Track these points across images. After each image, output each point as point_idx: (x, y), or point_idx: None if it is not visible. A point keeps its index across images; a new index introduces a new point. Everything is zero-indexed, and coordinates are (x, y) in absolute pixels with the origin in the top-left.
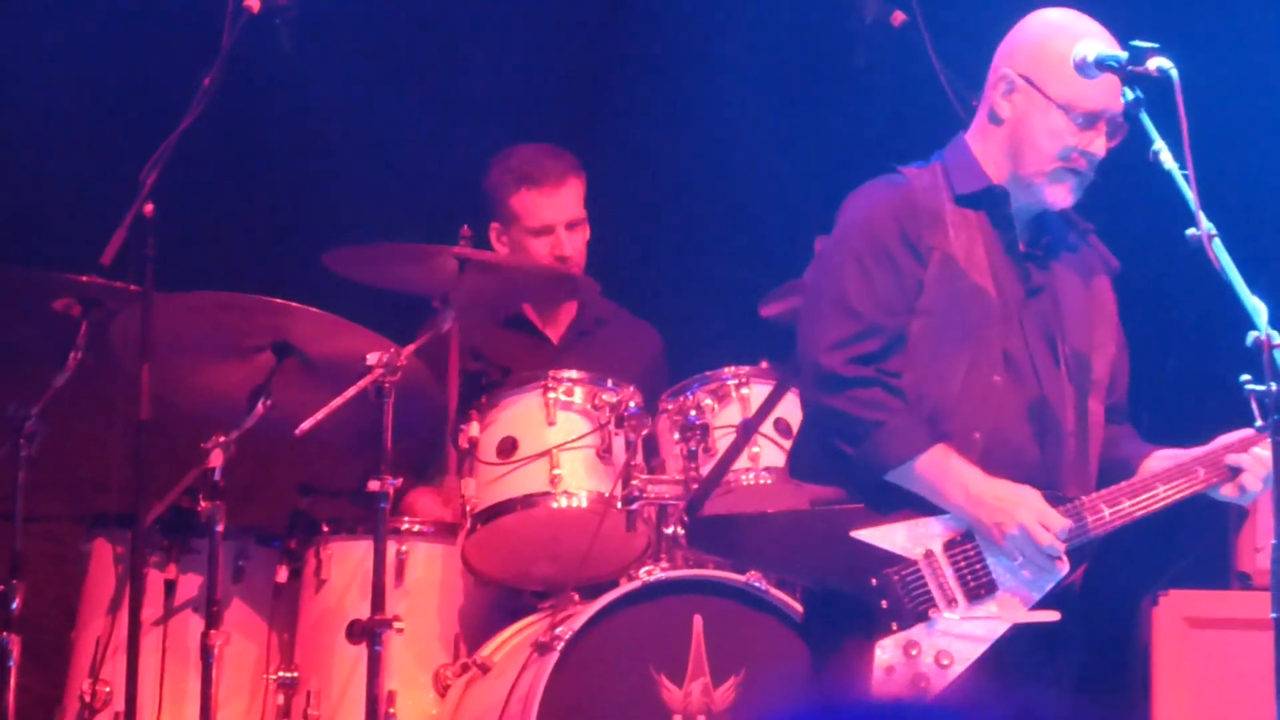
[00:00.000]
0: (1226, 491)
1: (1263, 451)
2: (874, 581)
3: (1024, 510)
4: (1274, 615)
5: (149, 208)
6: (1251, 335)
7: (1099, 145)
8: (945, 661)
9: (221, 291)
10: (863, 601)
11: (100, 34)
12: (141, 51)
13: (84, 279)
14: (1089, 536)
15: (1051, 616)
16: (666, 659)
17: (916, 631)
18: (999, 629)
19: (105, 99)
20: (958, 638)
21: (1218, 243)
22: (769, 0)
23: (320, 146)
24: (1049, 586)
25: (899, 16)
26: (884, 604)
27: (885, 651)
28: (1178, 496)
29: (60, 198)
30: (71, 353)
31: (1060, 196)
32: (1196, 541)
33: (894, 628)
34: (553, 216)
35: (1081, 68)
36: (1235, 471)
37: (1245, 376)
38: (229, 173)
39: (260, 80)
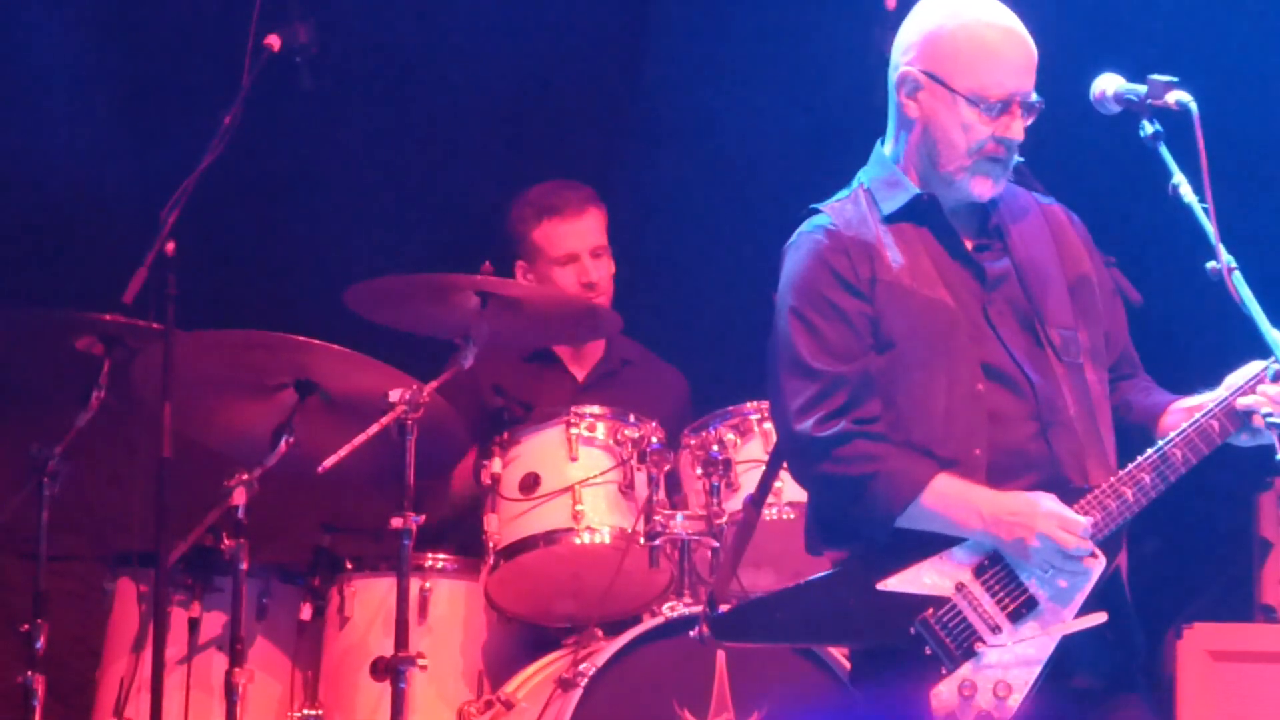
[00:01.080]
0: (1245, 438)
1: (1271, 388)
2: (912, 630)
3: (1042, 520)
4: None
5: (170, 246)
6: (1273, 367)
7: (1015, 129)
8: (1003, 693)
9: (243, 329)
10: (907, 652)
11: (122, 72)
12: (163, 89)
13: (106, 318)
14: (1118, 523)
15: (1098, 619)
16: (690, 694)
17: (966, 669)
18: (1049, 645)
19: (126, 138)
20: (1011, 665)
21: (1238, 276)
22: (790, 30)
23: (342, 184)
24: (1088, 586)
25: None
26: (927, 650)
27: (940, 699)
28: (1197, 459)
29: (82, 237)
30: (94, 392)
31: (983, 188)
32: (1220, 574)
33: (943, 672)
34: (576, 245)
35: (1100, 103)
36: (1249, 414)
37: (1267, 410)
38: (251, 210)
39: (281, 117)
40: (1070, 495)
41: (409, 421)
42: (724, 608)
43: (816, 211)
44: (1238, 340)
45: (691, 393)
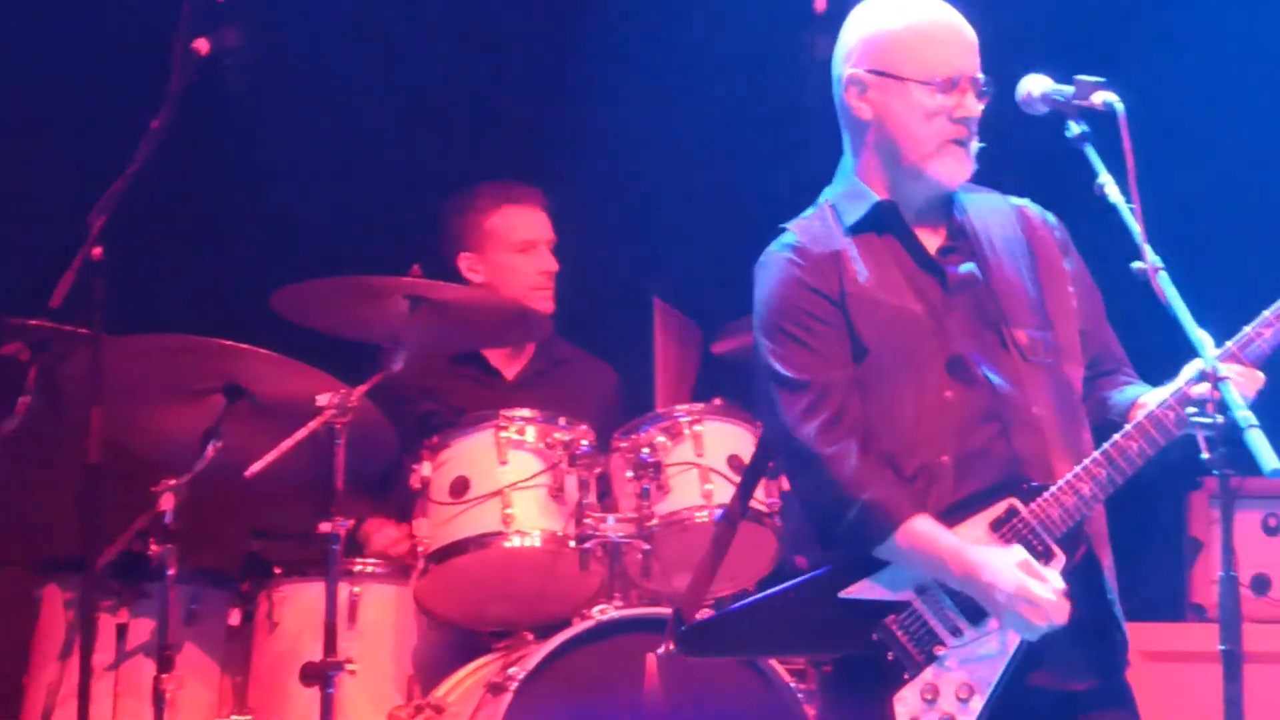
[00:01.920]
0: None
1: (1199, 387)
2: (875, 636)
3: (1009, 597)
4: (1222, 648)
5: (97, 251)
6: (1197, 369)
7: (970, 104)
8: (965, 695)
9: (171, 334)
10: (871, 660)
11: (48, 76)
12: (90, 94)
13: (33, 323)
14: (1075, 519)
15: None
16: (621, 698)
17: (929, 674)
18: (1011, 641)
19: (53, 142)
20: (973, 665)
21: (1164, 276)
22: (725, 30)
23: (270, 188)
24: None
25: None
26: (890, 656)
27: (904, 704)
28: (1153, 450)
29: (8, 242)
30: (20, 397)
31: (952, 171)
32: (1151, 574)
33: (905, 678)
34: (538, 233)
35: (1027, 104)
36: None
37: (1192, 410)
38: (179, 214)
39: (210, 121)
40: (1028, 494)
41: (337, 426)
42: (691, 621)
43: (784, 230)
44: (1167, 340)
45: (621, 387)
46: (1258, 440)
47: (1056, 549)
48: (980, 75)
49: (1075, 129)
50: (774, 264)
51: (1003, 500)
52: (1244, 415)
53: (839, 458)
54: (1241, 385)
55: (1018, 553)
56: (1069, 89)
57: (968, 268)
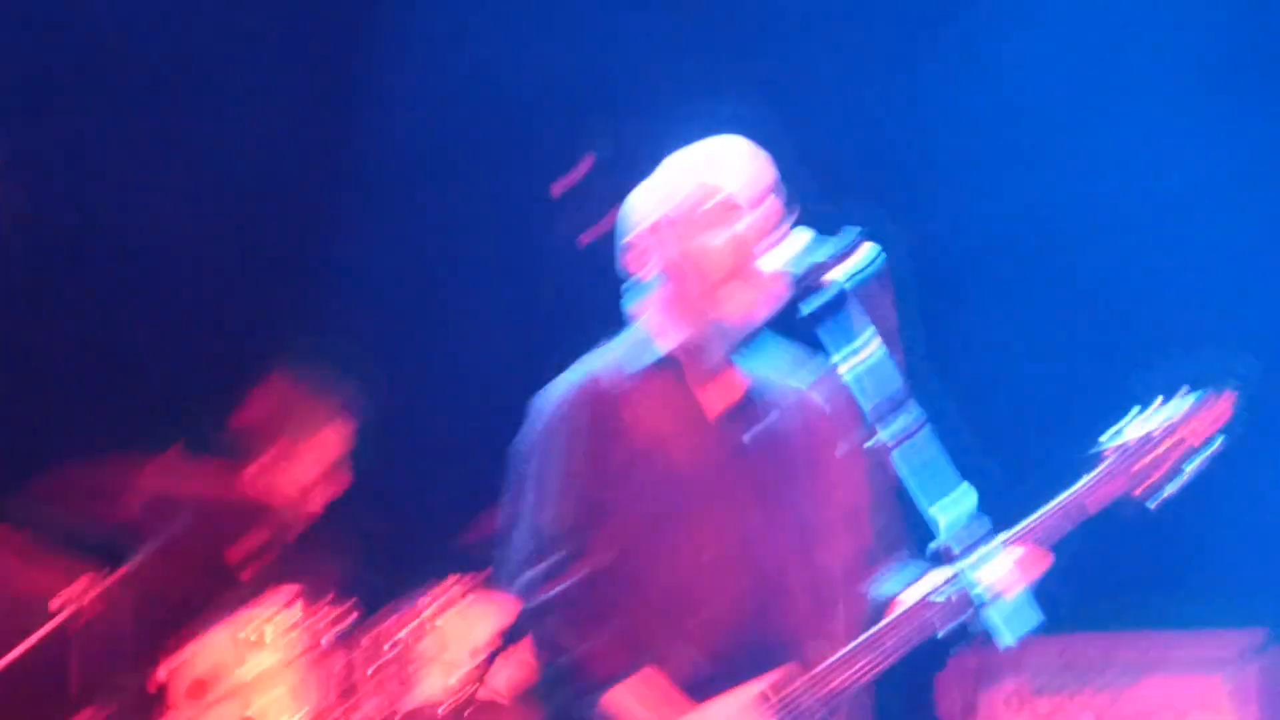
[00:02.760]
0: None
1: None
2: None
3: None
4: None
5: None
6: (931, 546)
7: (748, 225)
8: None
9: None
10: None
11: None
12: None
13: None
14: (832, 705)
15: None
16: None
17: None
18: None
19: None
20: None
21: (895, 454)
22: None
23: None
24: None
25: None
26: None
27: None
28: (916, 641)
29: None
30: None
31: (743, 308)
32: None
33: None
34: None
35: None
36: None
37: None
38: None
39: None
40: (785, 653)
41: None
42: None
43: (577, 363)
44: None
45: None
46: (995, 615)
47: None
48: (767, 201)
49: (805, 309)
50: (555, 398)
51: (769, 672)
52: (979, 592)
53: (542, 612)
54: (1019, 567)
55: None
56: (830, 246)
57: (753, 434)
